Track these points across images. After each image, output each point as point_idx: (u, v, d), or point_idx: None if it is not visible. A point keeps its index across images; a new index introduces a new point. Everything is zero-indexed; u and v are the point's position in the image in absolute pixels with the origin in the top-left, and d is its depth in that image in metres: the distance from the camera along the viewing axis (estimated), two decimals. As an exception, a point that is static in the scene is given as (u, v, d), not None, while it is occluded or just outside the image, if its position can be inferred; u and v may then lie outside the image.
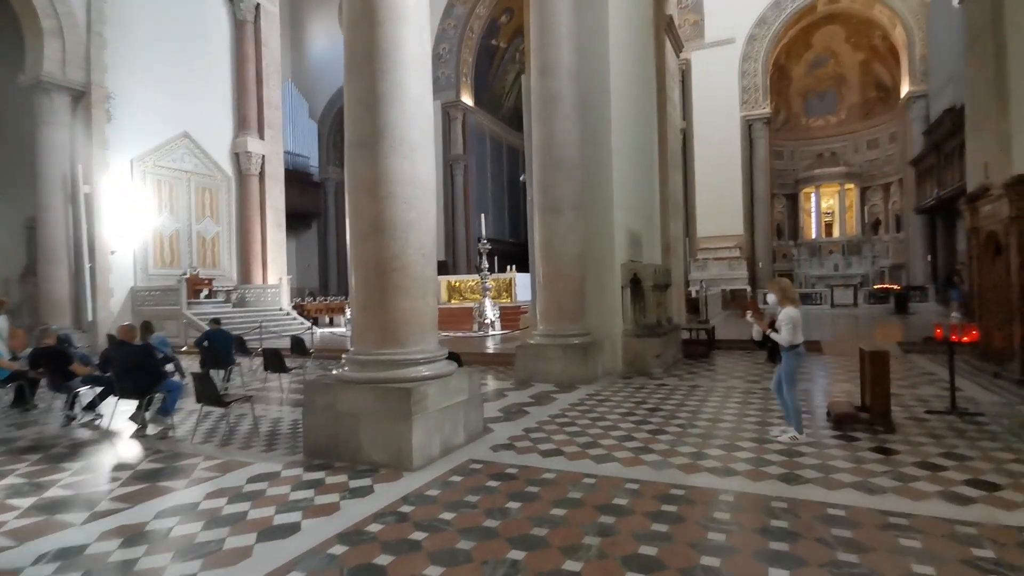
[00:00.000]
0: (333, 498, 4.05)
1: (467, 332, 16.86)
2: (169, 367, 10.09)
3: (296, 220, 33.94)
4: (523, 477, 4.42)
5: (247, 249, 20.39)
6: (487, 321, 16.70)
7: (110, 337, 8.65)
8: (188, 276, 18.02)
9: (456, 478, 4.43)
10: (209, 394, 5.65)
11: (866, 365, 5.68)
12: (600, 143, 9.69)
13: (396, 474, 4.52)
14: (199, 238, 19.29)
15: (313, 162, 33.19)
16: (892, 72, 29.66)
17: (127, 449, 5.59)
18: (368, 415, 4.82)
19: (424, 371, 5.03)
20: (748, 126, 29.56)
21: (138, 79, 17.49)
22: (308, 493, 4.17)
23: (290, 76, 32.62)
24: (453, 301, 20.92)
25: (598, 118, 9.72)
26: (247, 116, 20.51)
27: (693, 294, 20.04)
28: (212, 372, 9.13)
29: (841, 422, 5.53)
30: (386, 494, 4.09)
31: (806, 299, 24.80)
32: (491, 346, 13.57)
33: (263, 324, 14.71)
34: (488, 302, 16.92)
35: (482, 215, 18.62)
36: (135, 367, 6.09)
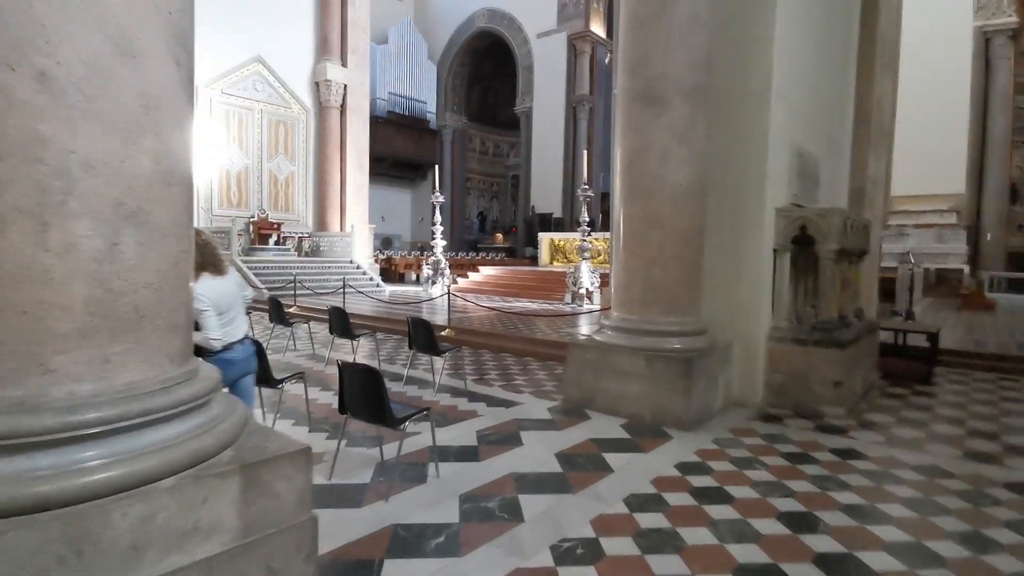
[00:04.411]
0: None
1: (556, 303, 13.12)
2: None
3: (410, 170, 32.18)
4: None
5: (324, 192, 18.22)
6: (582, 291, 12.80)
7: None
8: (256, 219, 16.35)
9: None
10: None
11: None
12: (753, -25, 5.18)
13: None
14: (271, 177, 17.41)
15: (431, 107, 30.89)
16: None
17: None
18: None
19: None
20: (984, 41, 21.14)
21: (207, -6, 15.66)
22: None
23: (411, 15, 30.31)
24: (556, 263, 17.37)
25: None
26: (328, 38, 17.95)
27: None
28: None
29: None
30: None
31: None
32: (580, 325, 9.72)
33: (297, 277, 12.21)
34: (585, 266, 12.95)
35: (584, 151, 14.38)
36: None
